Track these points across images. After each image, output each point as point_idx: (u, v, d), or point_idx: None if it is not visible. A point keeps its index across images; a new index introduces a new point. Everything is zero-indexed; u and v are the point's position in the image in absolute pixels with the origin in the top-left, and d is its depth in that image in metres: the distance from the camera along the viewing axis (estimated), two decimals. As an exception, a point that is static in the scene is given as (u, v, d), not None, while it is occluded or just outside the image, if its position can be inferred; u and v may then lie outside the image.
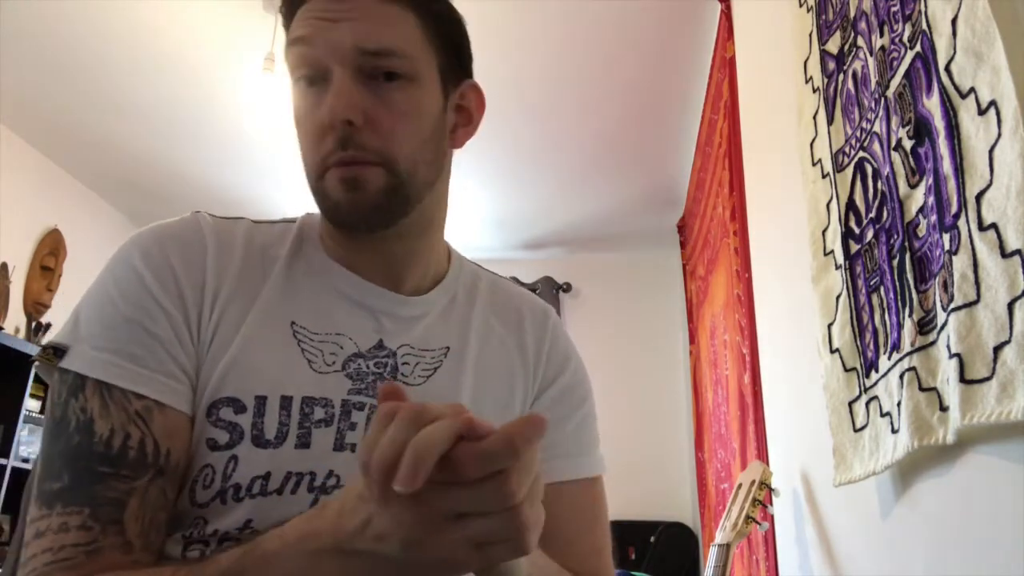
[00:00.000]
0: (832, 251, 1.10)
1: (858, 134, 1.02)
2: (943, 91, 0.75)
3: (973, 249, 0.67)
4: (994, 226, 0.64)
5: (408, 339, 0.70)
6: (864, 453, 0.96)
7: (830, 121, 1.12)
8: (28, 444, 2.85)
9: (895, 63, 0.89)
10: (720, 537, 1.48)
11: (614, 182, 3.47)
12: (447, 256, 0.79)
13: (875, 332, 0.95)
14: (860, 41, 1.02)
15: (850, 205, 1.04)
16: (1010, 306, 0.62)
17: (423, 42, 0.67)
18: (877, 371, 0.94)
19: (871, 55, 0.97)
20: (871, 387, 0.95)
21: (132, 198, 3.72)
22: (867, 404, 0.96)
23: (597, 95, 2.83)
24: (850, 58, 1.06)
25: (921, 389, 0.79)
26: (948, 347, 0.71)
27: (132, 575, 0.55)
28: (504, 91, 2.75)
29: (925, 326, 0.80)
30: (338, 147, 0.63)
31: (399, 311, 0.71)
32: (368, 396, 0.66)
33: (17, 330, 3.14)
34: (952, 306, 0.70)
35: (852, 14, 1.05)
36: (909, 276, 0.84)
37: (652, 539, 3.47)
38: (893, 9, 0.90)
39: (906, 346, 0.83)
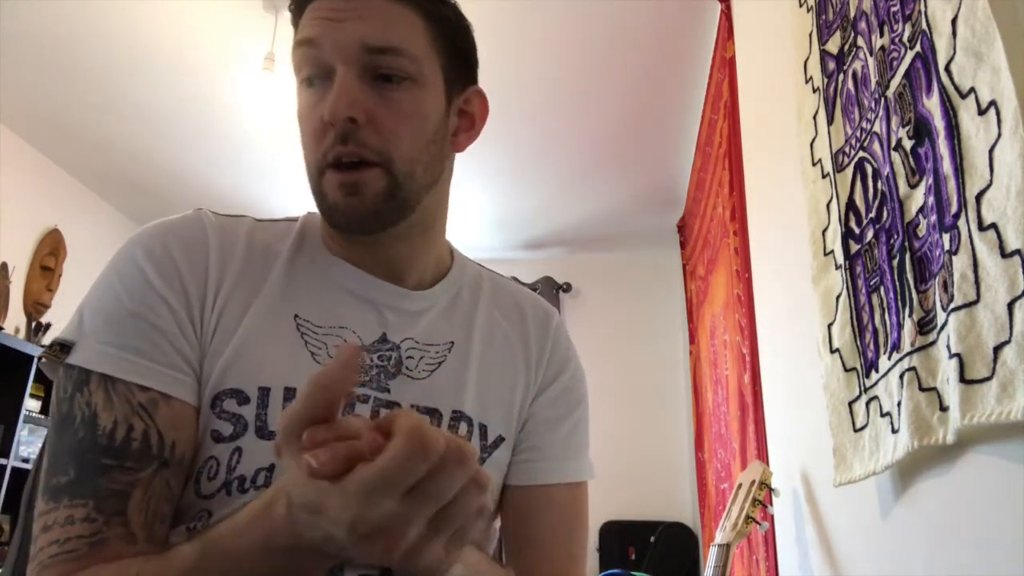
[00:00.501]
0: (832, 251, 1.10)
1: (858, 134, 1.02)
2: (943, 91, 0.75)
3: (973, 249, 0.67)
4: (994, 226, 0.64)
5: (412, 333, 0.71)
6: (864, 453, 0.96)
7: (830, 121, 1.12)
8: (28, 444, 2.85)
9: (895, 63, 0.89)
10: (720, 537, 1.48)
11: (614, 182, 3.47)
12: (449, 254, 0.79)
13: (875, 332, 0.95)
14: (860, 41, 1.02)
15: (850, 205, 1.04)
16: (1010, 306, 0.62)
17: (428, 45, 0.67)
18: (877, 371, 0.94)
19: (871, 55, 0.97)
20: (871, 387, 0.95)
21: (132, 198, 3.72)
22: (867, 404, 0.96)
23: (597, 95, 2.83)
24: (850, 58, 1.06)
25: (921, 389, 0.79)
26: (948, 347, 0.71)
27: (129, 565, 0.55)
28: (505, 91, 2.75)
29: (925, 326, 0.80)
30: (338, 142, 0.63)
31: (403, 305, 0.71)
32: (372, 389, 0.67)
33: (17, 330, 3.14)
34: (952, 306, 0.70)
35: (852, 14, 1.05)
36: (909, 276, 0.84)
37: (652, 539, 3.47)
38: (893, 9, 0.90)
39: (906, 346, 0.83)
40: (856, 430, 0.99)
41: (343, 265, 0.70)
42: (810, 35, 1.24)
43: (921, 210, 0.82)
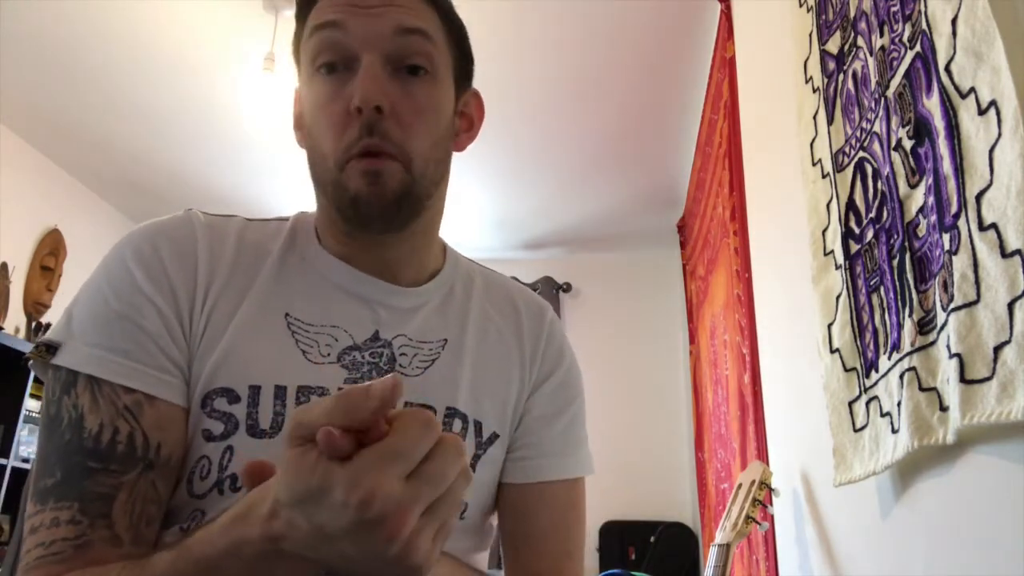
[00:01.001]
0: (832, 251, 1.10)
1: (858, 134, 1.02)
2: (943, 91, 0.75)
3: (973, 249, 0.67)
4: (994, 226, 0.64)
5: (405, 330, 0.70)
6: (864, 453, 0.96)
7: (830, 121, 1.12)
8: (28, 444, 2.85)
9: (895, 63, 0.88)
10: (720, 537, 1.48)
11: (614, 182, 3.47)
12: (442, 251, 0.79)
13: (875, 332, 0.95)
14: (860, 41, 1.02)
15: (850, 205, 1.04)
16: (1010, 306, 0.62)
17: (444, 41, 0.68)
18: (877, 371, 0.94)
19: (871, 55, 0.97)
20: (871, 387, 0.95)
21: (132, 198, 3.72)
22: (867, 404, 0.96)
23: (597, 95, 2.83)
24: (850, 58, 1.06)
25: (921, 389, 0.79)
26: (948, 347, 0.71)
27: (109, 571, 0.55)
28: (504, 91, 2.75)
29: (925, 326, 0.80)
30: (364, 133, 0.62)
31: (395, 302, 0.71)
32: None
33: (17, 330, 3.14)
34: (952, 306, 0.70)
35: (852, 14, 1.05)
36: (909, 276, 0.84)
37: (652, 539, 3.46)
38: (893, 9, 0.90)
39: (906, 346, 0.83)
40: (856, 430, 0.99)
41: (335, 263, 0.70)
42: (810, 35, 1.24)
43: (921, 210, 0.82)
